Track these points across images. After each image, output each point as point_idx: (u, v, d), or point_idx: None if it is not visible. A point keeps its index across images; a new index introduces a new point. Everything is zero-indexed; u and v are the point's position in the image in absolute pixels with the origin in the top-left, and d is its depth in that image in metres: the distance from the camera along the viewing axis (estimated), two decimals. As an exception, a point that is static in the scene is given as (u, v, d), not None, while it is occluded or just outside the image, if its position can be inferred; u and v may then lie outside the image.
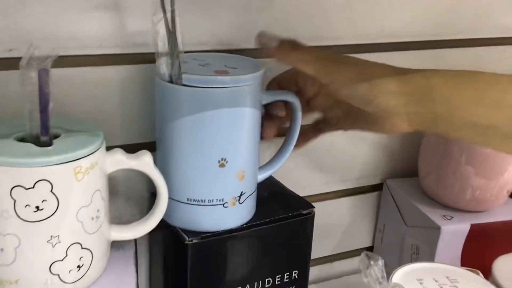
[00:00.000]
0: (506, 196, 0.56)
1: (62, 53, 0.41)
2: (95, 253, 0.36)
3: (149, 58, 0.41)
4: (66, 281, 0.35)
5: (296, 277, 0.46)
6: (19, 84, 0.33)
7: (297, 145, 0.46)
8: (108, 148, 0.37)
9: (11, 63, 0.39)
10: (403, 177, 0.63)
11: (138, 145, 0.47)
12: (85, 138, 0.35)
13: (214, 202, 0.41)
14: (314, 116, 0.49)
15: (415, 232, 0.57)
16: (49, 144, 0.34)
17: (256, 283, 0.45)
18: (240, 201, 0.42)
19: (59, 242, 0.34)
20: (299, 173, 0.57)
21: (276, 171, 0.46)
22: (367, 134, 0.47)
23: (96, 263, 0.37)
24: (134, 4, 0.43)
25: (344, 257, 0.66)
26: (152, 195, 0.45)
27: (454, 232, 0.53)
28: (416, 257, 0.56)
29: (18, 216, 0.32)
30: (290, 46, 0.41)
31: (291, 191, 0.49)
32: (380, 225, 0.64)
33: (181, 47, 0.37)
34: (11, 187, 0.32)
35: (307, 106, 0.46)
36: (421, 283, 0.40)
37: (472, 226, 0.53)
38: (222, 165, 0.40)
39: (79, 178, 0.34)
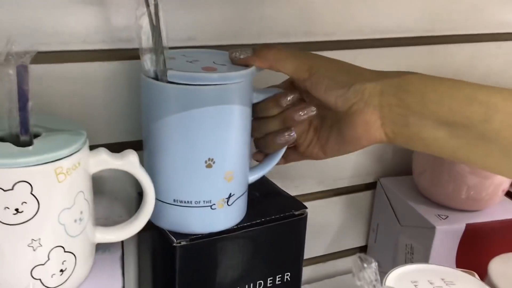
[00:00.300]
0: (501, 195, 0.55)
1: (44, 48, 0.41)
2: (79, 257, 0.36)
3: (135, 54, 0.40)
4: (48, 286, 0.34)
5: (289, 279, 0.46)
6: (-4, 81, 0.32)
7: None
8: (92, 148, 0.36)
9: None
10: (397, 175, 0.62)
11: (123, 144, 0.47)
12: (67, 137, 0.34)
13: (202, 204, 0.40)
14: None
15: (410, 232, 0.56)
16: (29, 143, 0.33)
17: (247, 286, 0.44)
18: (229, 203, 0.41)
19: (41, 245, 0.33)
20: (291, 172, 0.56)
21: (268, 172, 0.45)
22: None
23: (80, 267, 0.36)
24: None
25: (337, 256, 0.66)
26: (140, 195, 0.44)
27: (449, 231, 0.52)
28: (410, 257, 0.56)
29: (-3, 219, 0.31)
30: (266, 47, 0.41)
31: (283, 191, 0.48)
32: (373, 224, 0.64)
33: (165, 42, 0.37)
34: (-11, 189, 0.31)
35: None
36: (415, 286, 0.39)
37: (467, 225, 0.53)
38: (209, 166, 0.39)
39: (60, 179, 0.33)
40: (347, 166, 0.61)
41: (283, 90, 0.43)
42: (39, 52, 0.33)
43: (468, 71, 0.63)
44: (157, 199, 0.39)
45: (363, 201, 0.64)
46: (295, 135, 0.42)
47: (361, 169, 0.62)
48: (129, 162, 0.37)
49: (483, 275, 0.45)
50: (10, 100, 0.32)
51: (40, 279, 0.33)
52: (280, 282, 0.45)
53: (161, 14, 0.36)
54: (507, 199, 0.57)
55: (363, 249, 0.66)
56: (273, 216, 0.43)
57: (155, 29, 0.36)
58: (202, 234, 0.41)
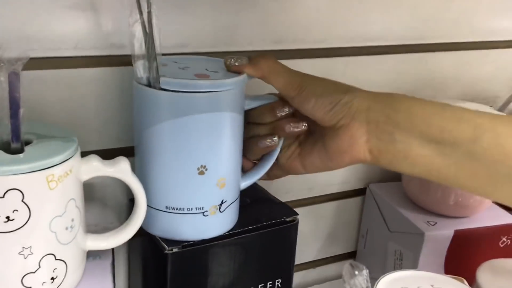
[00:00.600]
0: (489, 202, 0.56)
1: (35, 54, 0.41)
2: (70, 264, 0.35)
3: (126, 60, 0.40)
4: (39, 294, 0.34)
5: (279, 285, 0.46)
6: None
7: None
8: (84, 154, 0.36)
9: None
10: (387, 181, 0.63)
11: (115, 150, 0.46)
12: (58, 144, 0.34)
13: (194, 211, 0.40)
14: None
15: (399, 238, 0.56)
16: (20, 151, 0.33)
17: (238, 292, 0.44)
18: (221, 210, 0.41)
19: (31, 253, 0.33)
20: (281, 178, 0.56)
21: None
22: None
23: (70, 274, 0.36)
24: (111, 4, 0.42)
25: (327, 262, 0.66)
26: (131, 201, 0.43)
27: (437, 238, 0.53)
28: (399, 263, 0.56)
29: (-13, 227, 0.31)
30: (263, 58, 0.41)
31: (274, 197, 0.49)
32: (363, 230, 0.64)
33: (158, 49, 0.36)
34: (-20, 197, 0.31)
35: None
36: (405, 292, 0.39)
37: (456, 232, 0.53)
38: (201, 173, 0.39)
39: (52, 187, 0.32)
40: (337, 173, 0.61)
41: (274, 97, 0.43)
42: (30, 58, 0.32)
43: (456, 78, 0.63)
44: (149, 206, 0.39)
45: (353, 207, 0.64)
46: (277, 140, 0.42)
47: (351, 176, 0.62)
48: (121, 169, 0.36)
49: (472, 281, 0.46)
50: (1, 107, 0.32)
51: (30, 287, 0.33)
52: (271, 289, 0.46)
53: (154, 21, 0.35)
54: (495, 206, 0.58)
55: (352, 255, 0.66)
56: (264, 223, 0.43)
57: (148, 36, 0.36)
58: (193, 241, 0.40)
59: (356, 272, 0.36)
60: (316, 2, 0.51)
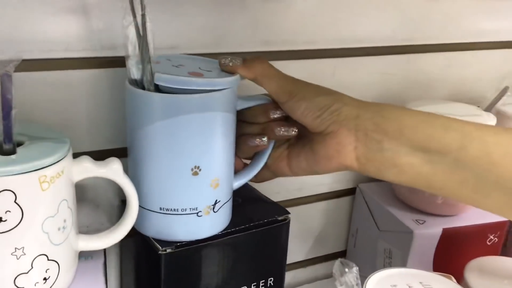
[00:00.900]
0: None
1: (26, 56, 0.41)
2: (62, 265, 0.35)
3: (118, 62, 0.40)
4: (31, 295, 0.34)
5: (272, 284, 0.46)
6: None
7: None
8: (76, 155, 0.36)
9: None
10: (376, 181, 0.63)
11: (107, 152, 0.46)
12: (50, 145, 0.34)
13: (188, 211, 0.40)
14: None
15: (388, 236, 0.57)
16: (12, 152, 0.33)
17: (231, 291, 0.44)
18: (215, 210, 0.41)
19: (24, 254, 0.33)
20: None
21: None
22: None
23: (63, 275, 0.36)
24: (102, 6, 0.42)
25: (317, 261, 0.66)
26: (123, 202, 0.43)
27: (426, 236, 0.53)
28: (389, 261, 0.57)
29: (-20, 228, 0.31)
30: (258, 60, 0.41)
31: (265, 197, 0.49)
32: (353, 229, 0.64)
33: (152, 52, 0.37)
34: (-28, 198, 0.30)
35: None
36: (395, 289, 0.40)
37: (444, 230, 0.53)
38: (195, 173, 0.39)
39: (44, 188, 0.32)
40: (327, 172, 0.61)
41: (267, 98, 0.43)
42: (23, 60, 0.32)
43: (443, 79, 0.64)
44: (142, 207, 0.39)
45: (343, 207, 0.64)
46: (266, 141, 0.43)
47: (341, 175, 0.62)
48: (113, 170, 0.37)
49: (460, 279, 0.46)
50: (-7, 108, 0.32)
51: (23, 288, 0.33)
52: (263, 287, 0.46)
53: (148, 24, 0.36)
54: (482, 204, 0.59)
55: (342, 254, 0.67)
56: (257, 222, 0.43)
57: (142, 39, 0.36)
58: (187, 241, 0.40)
59: (346, 270, 0.36)
60: (305, 4, 0.52)
